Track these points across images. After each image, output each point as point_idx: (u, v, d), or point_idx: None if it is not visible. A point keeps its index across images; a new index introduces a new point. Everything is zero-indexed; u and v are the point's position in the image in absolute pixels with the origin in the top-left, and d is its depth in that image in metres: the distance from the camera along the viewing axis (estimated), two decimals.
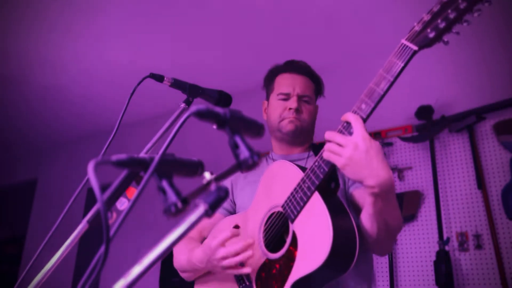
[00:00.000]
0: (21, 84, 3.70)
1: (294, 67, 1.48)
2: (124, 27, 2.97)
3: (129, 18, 2.87)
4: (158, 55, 3.28)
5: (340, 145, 0.99)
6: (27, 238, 4.73)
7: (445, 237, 2.49)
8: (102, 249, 0.50)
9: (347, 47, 3.15)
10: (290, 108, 1.38)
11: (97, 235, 0.78)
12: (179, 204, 0.54)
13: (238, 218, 1.34)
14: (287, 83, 1.43)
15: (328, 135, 1.03)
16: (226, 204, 1.45)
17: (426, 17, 0.99)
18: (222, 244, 1.17)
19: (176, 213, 0.54)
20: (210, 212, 0.52)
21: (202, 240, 1.43)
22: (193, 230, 1.39)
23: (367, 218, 1.10)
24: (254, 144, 0.57)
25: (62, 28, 2.97)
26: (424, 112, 2.76)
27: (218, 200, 0.53)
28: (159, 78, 1.20)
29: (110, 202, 0.76)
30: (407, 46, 1.00)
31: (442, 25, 0.95)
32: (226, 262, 1.15)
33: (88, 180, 0.53)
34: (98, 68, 3.47)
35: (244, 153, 0.56)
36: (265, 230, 1.22)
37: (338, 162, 0.99)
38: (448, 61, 2.76)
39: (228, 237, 1.17)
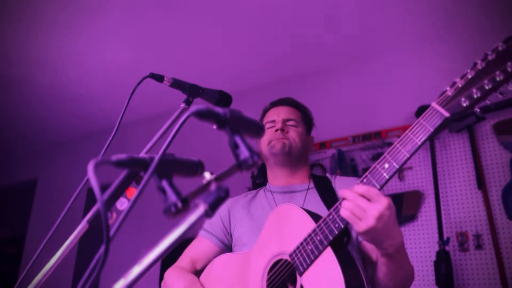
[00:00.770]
0: (21, 84, 3.70)
1: (279, 101, 1.56)
2: (124, 27, 2.97)
3: (129, 18, 2.87)
4: (158, 55, 3.28)
5: (362, 209, 0.94)
6: (27, 238, 4.73)
7: (445, 237, 2.49)
8: (102, 249, 0.50)
9: (347, 48, 3.15)
10: (276, 130, 1.42)
11: (97, 235, 0.78)
12: (179, 204, 0.54)
13: (237, 259, 1.29)
14: (273, 113, 1.50)
15: (350, 195, 0.97)
16: (222, 235, 1.41)
17: (460, 83, 0.94)
18: None
19: (176, 213, 0.54)
20: (210, 212, 0.52)
21: (194, 272, 1.38)
22: (184, 259, 1.38)
23: (381, 276, 1.10)
24: (254, 144, 0.57)
25: (62, 28, 2.97)
26: (424, 112, 2.75)
27: (218, 200, 0.53)
28: (159, 78, 1.19)
29: (110, 202, 0.76)
30: (438, 111, 0.96)
31: (477, 95, 0.90)
32: None
33: (88, 180, 0.53)
34: (98, 68, 3.47)
35: (244, 153, 0.56)
36: (269, 278, 1.18)
37: (358, 227, 0.95)
38: (448, 61, 2.76)
39: None
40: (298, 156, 1.43)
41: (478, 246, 2.43)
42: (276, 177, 1.46)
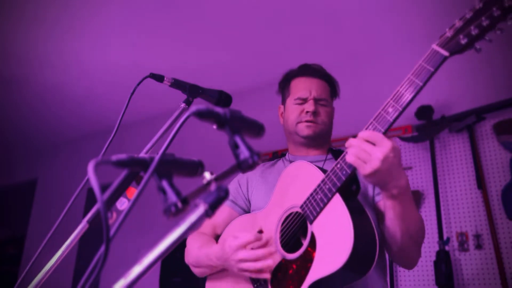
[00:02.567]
0: (21, 84, 3.70)
1: (309, 70, 1.48)
2: (124, 27, 2.97)
3: (129, 18, 2.87)
4: (158, 55, 3.28)
5: (367, 152, 0.97)
6: (27, 238, 4.73)
7: (445, 237, 2.49)
8: (102, 249, 0.50)
9: (349, 47, 3.15)
10: (307, 111, 1.38)
11: (97, 235, 0.78)
12: (179, 204, 0.54)
13: (253, 217, 1.33)
14: (303, 86, 1.43)
15: (354, 141, 1.01)
16: (240, 201, 1.43)
17: (458, 24, 0.97)
18: (244, 246, 1.16)
19: (176, 213, 0.54)
20: (210, 212, 0.52)
21: (215, 237, 1.41)
22: (206, 225, 1.40)
23: (389, 223, 1.10)
24: (253, 144, 0.57)
25: (63, 28, 2.97)
26: (424, 112, 2.76)
27: (218, 200, 0.53)
28: (159, 78, 1.20)
29: (110, 202, 0.76)
30: (438, 51, 0.98)
31: (475, 32, 0.94)
32: (244, 265, 1.14)
33: (88, 180, 0.53)
34: (98, 68, 3.47)
35: (244, 153, 0.56)
36: (282, 230, 1.21)
37: (364, 169, 0.97)
38: (448, 61, 2.76)
39: (251, 240, 1.16)
40: (324, 137, 1.44)
41: (478, 246, 2.43)
42: (297, 150, 1.46)
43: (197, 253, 1.32)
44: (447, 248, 2.44)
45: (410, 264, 1.25)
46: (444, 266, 2.34)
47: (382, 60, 3.14)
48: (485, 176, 2.54)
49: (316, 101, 1.40)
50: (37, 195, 4.91)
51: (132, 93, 1.15)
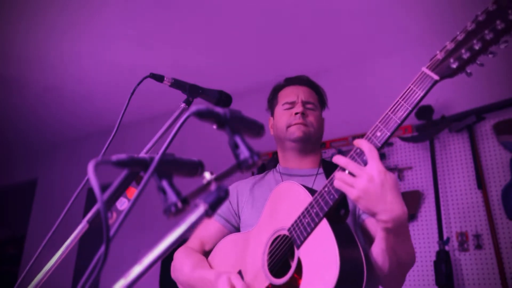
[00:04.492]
0: (21, 84, 3.70)
1: (295, 80, 1.50)
2: (124, 27, 2.97)
3: (129, 18, 2.87)
4: (158, 55, 3.28)
5: (353, 175, 0.95)
6: (27, 238, 4.73)
7: (445, 237, 2.49)
8: (102, 249, 0.50)
9: (349, 47, 3.15)
10: (296, 113, 1.37)
11: (97, 235, 0.78)
12: (179, 204, 0.54)
13: (243, 238, 1.30)
14: (290, 93, 1.44)
15: (341, 161, 0.99)
16: (230, 217, 1.41)
17: (450, 46, 0.93)
18: None
19: (176, 213, 0.54)
20: (210, 212, 0.52)
21: (203, 253, 1.39)
22: (194, 240, 1.39)
23: (379, 253, 1.06)
24: (253, 144, 0.57)
25: (62, 28, 2.97)
26: (424, 112, 2.76)
27: (218, 200, 0.53)
28: (159, 78, 1.20)
29: (110, 202, 0.76)
30: (427, 75, 0.95)
31: (466, 55, 0.90)
32: None
33: (88, 180, 0.53)
34: (98, 68, 3.47)
35: (244, 153, 0.56)
36: (269, 253, 1.18)
37: (351, 193, 0.95)
38: None
39: None
40: (315, 142, 1.42)
41: (478, 246, 2.43)
42: (288, 159, 1.44)
43: (190, 274, 1.28)
44: (447, 248, 2.44)
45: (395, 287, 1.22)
46: (444, 266, 2.34)
47: (382, 60, 3.14)
48: (485, 176, 2.54)
49: (304, 104, 1.40)
50: (37, 195, 4.91)
51: (132, 93, 1.15)
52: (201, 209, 0.53)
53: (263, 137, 0.62)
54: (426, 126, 2.74)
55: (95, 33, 3.03)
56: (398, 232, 0.99)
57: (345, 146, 2.99)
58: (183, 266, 1.31)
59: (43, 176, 4.97)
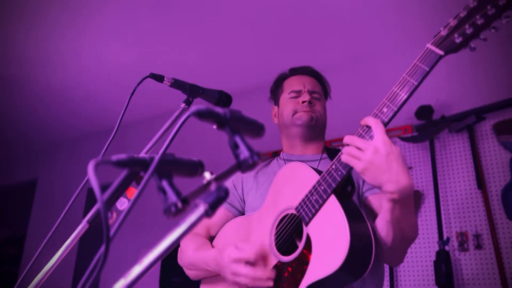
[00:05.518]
0: (21, 84, 3.70)
1: (301, 70, 1.52)
2: (124, 27, 2.97)
3: (129, 18, 2.87)
4: (158, 55, 3.28)
5: (359, 149, 0.98)
6: (27, 238, 4.73)
7: (445, 237, 2.49)
8: (102, 249, 0.50)
9: (349, 47, 3.15)
10: (303, 102, 1.40)
11: (97, 235, 0.78)
12: (179, 204, 0.54)
13: (248, 220, 1.32)
14: (296, 82, 1.46)
15: (347, 138, 1.02)
16: (235, 202, 1.42)
17: (453, 22, 0.97)
18: (243, 260, 1.13)
19: (176, 213, 0.54)
20: (210, 212, 0.52)
21: (209, 238, 1.41)
22: (200, 226, 1.39)
23: (383, 225, 1.08)
24: (253, 144, 0.57)
25: (62, 28, 2.97)
26: (424, 112, 2.76)
27: (218, 200, 0.53)
28: (159, 78, 1.20)
29: (110, 202, 0.76)
30: (432, 51, 0.98)
31: (469, 30, 0.94)
32: (239, 279, 1.12)
33: (88, 180, 0.53)
34: (98, 68, 3.47)
35: (244, 153, 0.56)
36: (277, 232, 1.20)
37: (358, 166, 0.97)
38: (448, 61, 2.76)
39: (251, 260, 1.13)
40: (320, 130, 1.44)
41: (478, 246, 2.43)
42: (292, 146, 1.45)
43: (193, 256, 1.30)
44: (447, 248, 2.44)
45: (396, 262, 1.24)
46: (444, 266, 2.34)
47: (382, 60, 3.14)
48: (485, 176, 2.54)
49: (310, 93, 1.42)
50: (37, 195, 4.91)
51: (132, 93, 1.15)
52: (201, 209, 0.53)
53: (263, 137, 0.62)
54: (426, 126, 2.74)
55: (95, 33, 3.03)
56: (404, 204, 1.01)
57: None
58: (187, 249, 1.33)
59: (43, 176, 4.97)
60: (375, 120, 1.01)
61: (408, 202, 1.03)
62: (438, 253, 2.41)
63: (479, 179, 2.53)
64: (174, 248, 0.53)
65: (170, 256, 1.34)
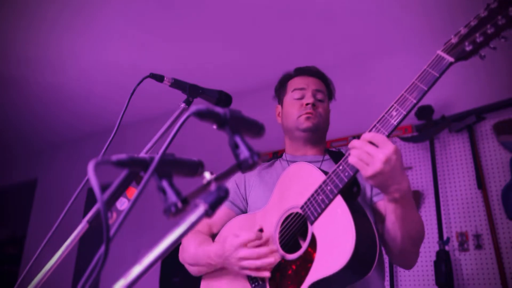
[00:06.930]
0: (21, 84, 3.70)
1: (306, 70, 1.52)
2: (124, 27, 2.97)
3: (129, 18, 2.87)
4: (158, 55, 3.28)
5: (370, 154, 0.98)
6: (27, 238, 4.73)
7: (445, 237, 2.49)
8: (102, 249, 0.50)
9: (350, 47, 3.15)
10: (307, 104, 1.40)
11: (97, 235, 0.78)
12: (179, 204, 0.54)
13: (252, 217, 1.33)
14: (301, 81, 1.47)
15: (357, 143, 1.02)
16: (238, 201, 1.43)
17: (464, 31, 1.00)
18: (245, 244, 1.16)
19: (176, 213, 0.54)
20: (210, 212, 0.52)
21: (211, 235, 1.42)
22: (202, 224, 1.40)
23: (389, 226, 1.11)
24: (254, 144, 0.57)
25: (62, 28, 2.97)
26: (424, 112, 2.76)
27: (218, 200, 0.53)
28: (159, 78, 1.20)
29: (110, 202, 0.76)
30: (443, 57, 1.00)
31: (480, 39, 0.96)
32: (245, 263, 1.14)
33: (88, 180, 0.53)
34: (98, 68, 3.47)
35: (244, 153, 0.56)
36: (281, 230, 1.21)
37: (366, 171, 0.98)
38: None
39: (252, 239, 1.16)
40: (322, 132, 1.46)
41: (478, 246, 2.43)
42: (295, 148, 1.46)
43: (195, 251, 1.31)
44: (447, 248, 2.44)
45: (409, 265, 1.26)
46: (444, 266, 2.34)
47: (383, 60, 3.14)
48: (485, 176, 2.54)
49: (314, 95, 1.43)
50: (37, 195, 4.91)
51: (132, 93, 1.15)
52: (201, 209, 0.53)
53: (264, 137, 0.62)
54: (426, 126, 2.74)
55: (95, 33, 3.03)
56: (405, 202, 1.05)
57: (345, 146, 2.99)
58: (189, 245, 1.34)
59: (43, 176, 4.97)
60: (381, 135, 1.02)
61: (409, 199, 1.06)
62: (438, 253, 2.41)
63: (479, 179, 2.53)
64: (174, 248, 0.53)
65: (170, 256, 1.35)
